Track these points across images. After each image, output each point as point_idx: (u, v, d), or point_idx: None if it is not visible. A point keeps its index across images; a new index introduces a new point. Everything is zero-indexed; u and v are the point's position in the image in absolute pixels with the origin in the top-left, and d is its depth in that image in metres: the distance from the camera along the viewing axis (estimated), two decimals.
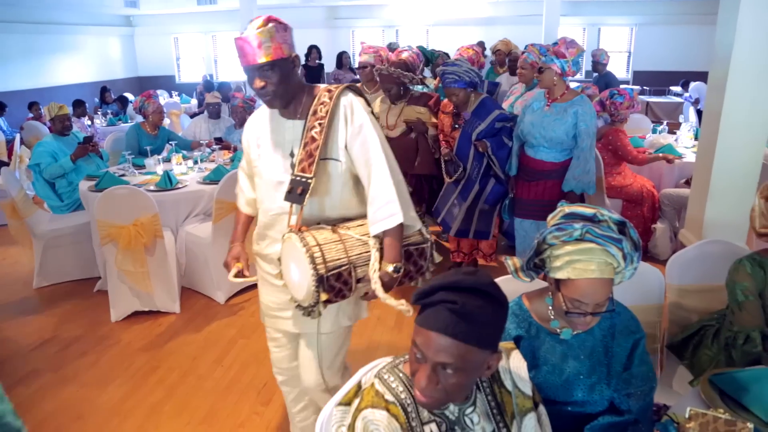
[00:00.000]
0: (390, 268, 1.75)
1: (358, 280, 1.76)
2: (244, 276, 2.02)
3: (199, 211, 4.04)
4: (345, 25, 12.86)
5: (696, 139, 5.46)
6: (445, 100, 4.02)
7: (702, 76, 9.73)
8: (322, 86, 1.84)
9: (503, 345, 1.35)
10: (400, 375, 1.22)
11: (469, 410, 1.23)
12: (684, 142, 5.35)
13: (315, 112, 1.77)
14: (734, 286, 1.91)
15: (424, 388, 1.10)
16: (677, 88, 10.49)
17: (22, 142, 6.70)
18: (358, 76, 5.00)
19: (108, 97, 9.80)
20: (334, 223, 1.83)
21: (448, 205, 3.87)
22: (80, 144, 4.35)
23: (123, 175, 4.26)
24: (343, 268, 1.71)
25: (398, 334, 3.41)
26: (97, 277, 4.12)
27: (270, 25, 1.69)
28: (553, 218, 1.52)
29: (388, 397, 1.18)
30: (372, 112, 1.84)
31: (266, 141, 1.89)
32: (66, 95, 9.82)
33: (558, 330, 1.53)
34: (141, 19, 13.67)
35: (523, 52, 4.12)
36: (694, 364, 2.10)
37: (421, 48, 5.41)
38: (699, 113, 8.56)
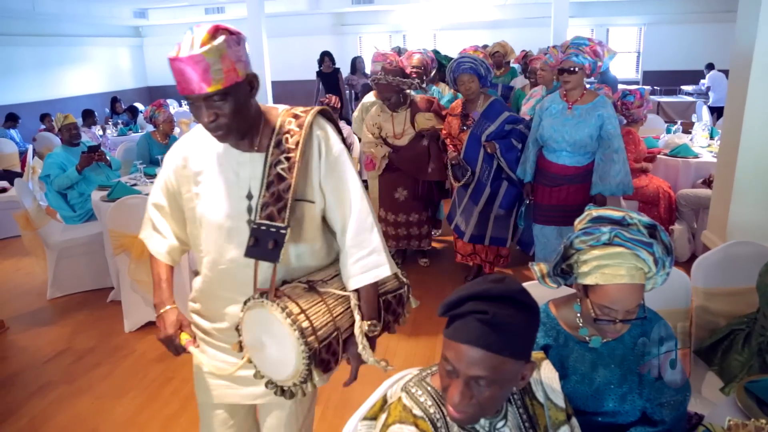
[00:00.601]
0: (366, 327, 1.47)
1: (344, 348, 1.49)
2: (195, 345, 1.55)
3: None
4: (352, 32, 12.86)
5: (711, 138, 5.40)
6: (454, 103, 3.97)
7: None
8: (282, 108, 1.48)
9: (533, 355, 1.30)
10: (428, 389, 1.18)
11: (500, 424, 1.18)
12: (699, 142, 5.28)
13: (279, 144, 1.40)
14: (766, 289, 1.85)
15: (458, 403, 1.05)
16: (688, 87, 10.39)
17: (34, 154, 6.73)
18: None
19: (118, 107, 9.85)
20: (307, 277, 1.49)
21: (460, 210, 3.81)
22: (84, 153, 4.31)
23: (135, 185, 4.25)
24: (333, 336, 1.42)
25: (415, 342, 3.37)
26: (110, 287, 4.11)
27: (220, 39, 1.26)
28: (580, 222, 1.47)
29: (416, 411, 1.13)
30: (344, 140, 1.54)
31: (212, 177, 1.47)
32: (77, 106, 9.87)
33: (587, 338, 1.48)
34: (150, 29, 13.76)
35: (544, 53, 4.08)
36: (724, 369, 2.04)
37: (435, 52, 5.36)
38: (711, 110, 8.48)
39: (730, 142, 2.77)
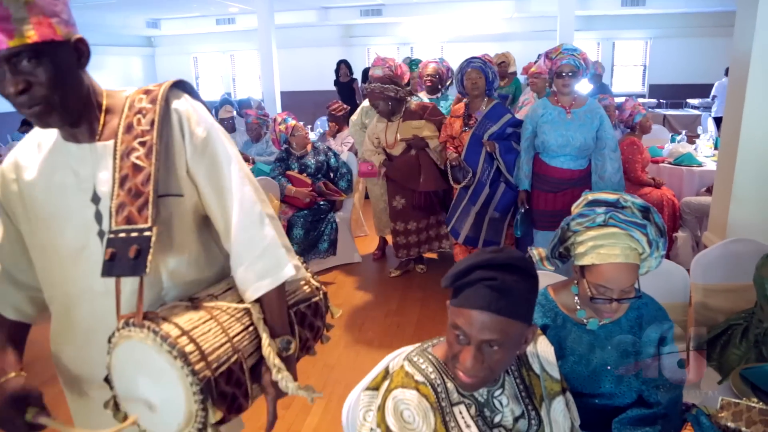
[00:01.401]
0: (278, 344, 1.18)
1: (253, 377, 1.15)
2: (47, 416, 1.12)
3: None
4: (360, 43, 13.03)
5: (716, 148, 5.44)
6: (456, 105, 4.02)
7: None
8: (132, 88, 1.19)
9: None
10: (430, 357, 1.23)
11: (497, 392, 1.23)
12: (703, 151, 5.33)
13: (130, 127, 1.11)
14: (762, 281, 1.89)
15: (470, 368, 1.10)
16: (694, 101, 10.44)
17: None
18: None
19: None
20: (190, 292, 1.19)
21: (458, 212, 3.80)
22: None
23: None
24: (232, 361, 1.09)
25: (418, 342, 3.39)
26: None
27: None
28: (577, 206, 1.53)
29: (418, 377, 1.18)
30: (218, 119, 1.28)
31: (40, 186, 1.14)
32: None
33: (584, 320, 1.53)
34: (162, 39, 13.99)
35: (535, 62, 4.13)
36: (722, 364, 2.07)
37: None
38: (716, 120, 8.52)
39: (729, 143, 2.82)
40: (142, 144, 1.09)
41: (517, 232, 3.59)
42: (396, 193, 4.13)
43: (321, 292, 1.39)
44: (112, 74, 12.62)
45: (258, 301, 1.17)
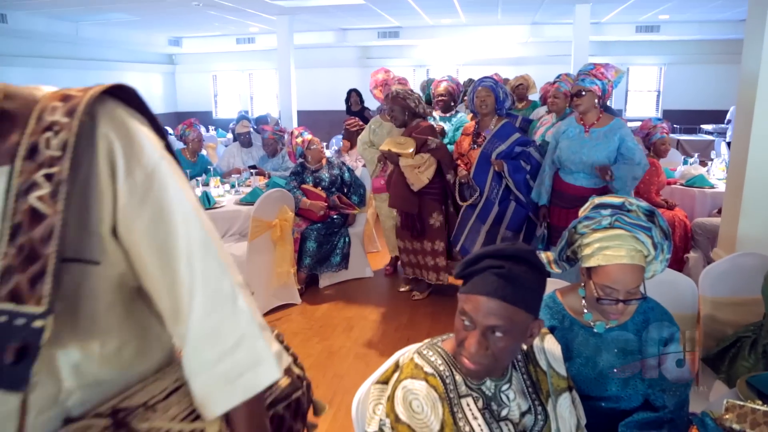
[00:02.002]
0: None
1: None
2: None
3: (235, 231, 4.16)
4: (377, 65, 13.10)
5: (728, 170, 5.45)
6: (467, 123, 4.08)
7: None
8: (48, 90, 0.78)
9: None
10: (439, 350, 1.27)
11: (505, 387, 1.26)
12: (716, 174, 5.34)
13: (35, 150, 0.71)
14: None
15: (474, 353, 1.14)
16: (708, 126, 10.45)
17: None
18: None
19: None
20: (109, 398, 0.82)
21: (467, 230, 3.79)
22: None
23: None
24: None
25: None
26: None
27: None
28: (584, 210, 1.57)
29: (428, 369, 1.22)
30: (167, 147, 0.87)
31: None
32: None
33: (591, 323, 1.56)
34: (183, 57, 14.31)
35: (554, 82, 4.15)
36: (731, 376, 2.08)
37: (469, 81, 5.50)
38: (729, 145, 8.53)
39: (738, 162, 2.85)
40: (48, 178, 0.70)
41: (540, 245, 3.61)
42: (394, 210, 4.22)
43: (304, 383, 1.08)
44: None
45: (225, 415, 0.81)
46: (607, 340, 1.56)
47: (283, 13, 8.84)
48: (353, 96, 7.76)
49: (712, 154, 6.54)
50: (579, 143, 3.27)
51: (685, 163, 5.64)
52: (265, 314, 3.99)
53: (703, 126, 10.83)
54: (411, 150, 3.80)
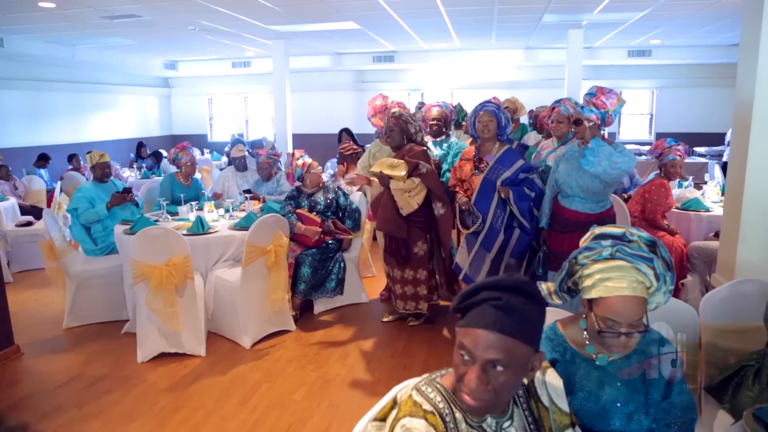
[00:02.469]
0: None
1: None
2: None
3: (229, 256, 4.11)
4: (372, 88, 13.29)
5: (723, 194, 5.46)
6: (467, 148, 4.03)
7: (723, 138, 9.82)
8: None
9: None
10: (438, 387, 1.22)
11: (506, 424, 1.22)
12: (711, 197, 5.35)
13: None
14: None
15: (475, 389, 1.10)
16: (701, 149, 10.52)
17: (61, 191, 6.98)
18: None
19: (143, 151, 10.21)
20: None
21: (470, 259, 3.71)
22: (117, 193, 4.49)
23: (157, 221, 4.39)
24: None
25: None
26: (125, 319, 4.17)
27: None
28: (584, 240, 1.54)
29: (426, 406, 1.18)
30: None
31: None
32: (104, 149, 10.25)
33: (594, 355, 1.52)
34: (178, 80, 14.38)
35: (554, 107, 4.10)
36: (735, 406, 2.03)
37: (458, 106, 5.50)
38: (723, 168, 8.56)
39: (735, 187, 2.84)
40: None
41: (539, 270, 3.55)
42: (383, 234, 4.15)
43: None
44: (128, 113, 12.94)
45: None
46: (610, 373, 1.52)
47: (278, 38, 8.91)
48: (344, 136, 7.45)
49: (706, 177, 6.58)
50: (576, 167, 3.25)
51: (680, 186, 5.65)
52: (259, 341, 3.92)
53: (695, 149, 10.90)
54: (403, 173, 3.75)
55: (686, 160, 10.05)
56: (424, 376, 1.30)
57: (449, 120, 4.51)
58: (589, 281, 1.47)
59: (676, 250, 4.54)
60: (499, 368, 1.10)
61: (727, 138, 9.60)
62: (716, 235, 4.51)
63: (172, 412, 3.04)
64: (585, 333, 1.51)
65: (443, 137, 4.53)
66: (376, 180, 3.95)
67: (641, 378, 1.51)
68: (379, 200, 4.03)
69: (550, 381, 1.30)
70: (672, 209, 4.97)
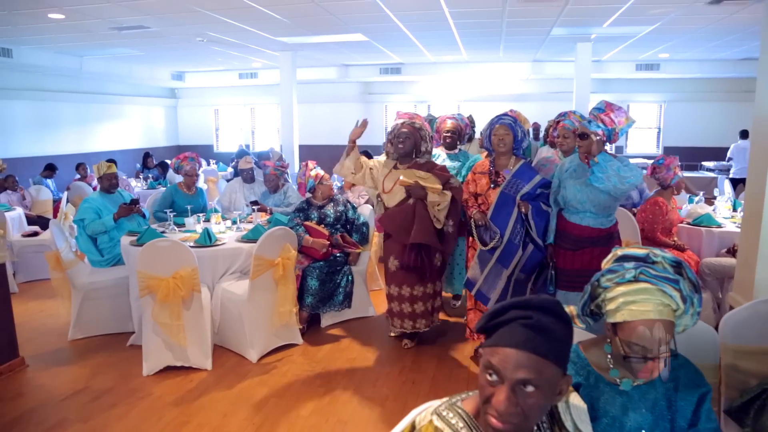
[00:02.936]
0: None
1: None
2: None
3: (236, 269, 4.08)
4: (379, 100, 13.35)
5: (734, 210, 5.41)
6: (480, 161, 3.95)
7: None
8: None
9: None
10: (459, 411, 1.18)
11: None
12: (722, 213, 5.29)
13: None
14: None
15: (504, 411, 1.06)
16: (709, 163, 10.47)
17: (68, 201, 6.98)
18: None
19: (150, 162, 10.22)
20: None
21: (485, 275, 3.60)
22: (125, 205, 4.48)
23: (164, 232, 4.37)
24: None
25: (434, 399, 3.28)
26: (131, 331, 4.13)
27: None
28: (607, 262, 1.50)
29: None
30: None
31: None
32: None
33: (618, 380, 1.47)
34: (185, 91, 14.45)
35: (558, 121, 4.05)
36: (757, 430, 1.97)
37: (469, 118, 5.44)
38: (732, 182, 8.52)
39: (754, 204, 2.79)
40: None
41: (550, 288, 3.46)
42: (391, 252, 3.90)
43: None
44: (135, 124, 12.99)
45: None
46: (635, 399, 1.47)
47: (286, 49, 8.94)
48: None
49: (715, 192, 6.51)
50: (586, 183, 3.19)
51: (690, 201, 5.60)
52: (266, 355, 3.87)
53: (704, 163, 10.86)
54: (439, 186, 3.70)
55: (695, 175, 10.08)
56: (444, 399, 1.26)
57: (463, 133, 4.47)
58: (613, 305, 1.42)
59: (686, 263, 4.49)
60: (530, 389, 1.06)
61: (729, 154, 9.56)
62: (728, 252, 4.45)
63: (178, 427, 2.99)
64: (609, 357, 1.47)
65: (457, 150, 4.50)
66: (395, 192, 3.83)
67: (667, 404, 1.46)
68: (397, 212, 3.82)
69: (574, 406, 1.25)
70: (683, 224, 4.93)
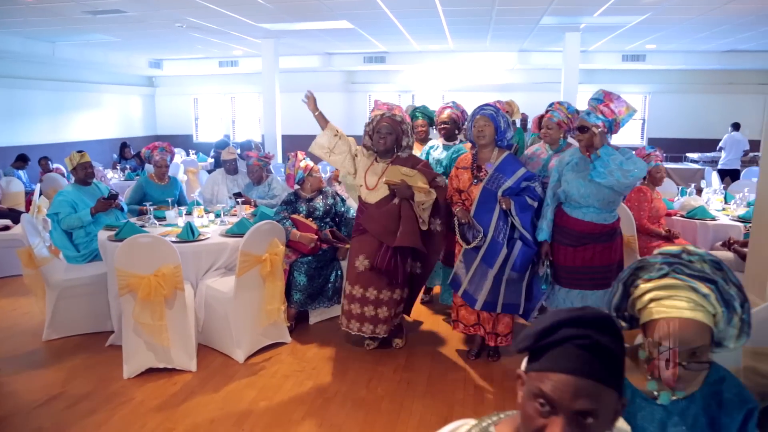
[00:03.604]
0: None
1: None
2: None
3: (221, 264, 3.89)
4: (362, 90, 13.14)
5: (726, 202, 5.38)
6: (462, 155, 3.75)
7: (715, 144, 9.84)
8: None
9: None
10: None
11: None
12: (714, 205, 5.25)
13: None
14: None
15: None
16: (694, 155, 10.51)
17: (41, 194, 6.68)
18: None
19: (127, 152, 9.90)
20: None
21: (470, 275, 3.45)
22: (104, 199, 4.26)
23: (143, 226, 4.17)
24: None
25: (431, 400, 3.16)
26: (110, 330, 3.92)
27: None
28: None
29: None
30: None
31: None
32: (87, 150, 9.94)
33: (655, 393, 1.34)
34: (163, 79, 14.07)
35: (547, 111, 3.89)
36: None
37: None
38: (720, 173, 8.54)
39: (766, 200, 2.69)
40: None
41: (543, 285, 3.36)
42: (361, 251, 3.61)
43: None
44: (111, 113, 12.60)
45: None
46: (674, 414, 1.35)
47: (268, 36, 8.69)
48: None
49: (702, 183, 6.49)
50: (587, 176, 3.06)
51: (683, 193, 5.55)
52: (253, 355, 3.70)
53: (688, 154, 10.90)
54: (426, 185, 3.45)
55: (680, 166, 10.11)
56: (473, 422, 1.12)
57: (461, 123, 4.30)
58: (640, 303, 1.31)
59: None
60: (590, 420, 0.92)
61: (721, 144, 9.59)
62: (724, 245, 4.40)
63: None
64: (646, 366, 1.34)
65: (455, 142, 4.29)
66: (378, 189, 3.57)
67: (708, 421, 1.34)
68: (381, 214, 3.54)
69: (620, 429, 1.12)
70: (676, 217, 4.88)
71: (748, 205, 5.16)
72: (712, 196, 5.50)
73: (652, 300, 1.28)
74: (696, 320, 1.26)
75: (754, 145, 9.58)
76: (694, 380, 1.35)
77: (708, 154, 10.19)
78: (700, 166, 9.68)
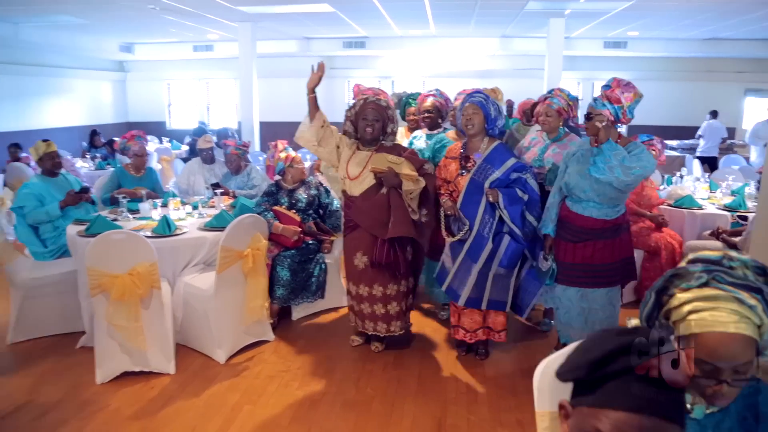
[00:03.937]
0: None
1: None
2: None
3: (199, 260, 3.70)
4: (341, 75, 12.89)
5: (712, 190, 5.35)
6: (452, 145, 3.58)
7: (693, 131, 9.90)
8: None
9: None
10: None
11: None
12: (699, 194, 5.21)
13: None
14: None
15: None
16: (673, 142, 10.55)
17: (5, 185, 6.35)
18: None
19: (97, 140, 9.52)
20: None
21: (455, 269, 3.33)
22: (73, 193, 4.02)
23: (116, 220, 3.95)
24: None
25: (423, 401, 3.04)
26: (81, 331, 3.70)
27: None
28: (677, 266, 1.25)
29: None
30: None
31: None
32: (54, 138, 9.49)
33: (689, 406, 1.23)
34: (135, 64, 13.62)
35: (546, 98, 3.76)
36: None
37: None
38: (701, 161, 8.57)
39: None
40: None
41: (547, 281, 3.24)
42: (357, 248, 3.45)
43: None
44: (80, 99, 12.14)
45: None
46: (708, 428, 1.23)
47: (245, 20, 8.40)
48: None
49: (683, 171, 6.47)
50: (588, 168, 2.94)
51: (668, 182, 5.51)
52: (235, 354, 3.53)
53: (668, 142, 10.95)
54: (414, 173, 3.27)
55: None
56: None
57: (444, 111, 4.12)
58: (678, 315, 1.18)
59: (667, 247, 4.39)
60: None
61: (699, 132, 9.63)
62: (712, 234, 4.35)
63: None
64: None
65: (439, 130, 4.10)
66: (362, 178, 3.39)
67: None
68: (370, 206, 3.37)
69: None
70: (664, 206, 4.82)
71: (733, 193, 5.15)
72: (696, 184, 5.46)
73: (691, 312, 1.15)
74: (742, 334, 1.13)
75: (731, 132, 9.67)
76: (735, 395, 1.24)
77: (686, 142, 10.25)
78: (679, 154, 9.72)
